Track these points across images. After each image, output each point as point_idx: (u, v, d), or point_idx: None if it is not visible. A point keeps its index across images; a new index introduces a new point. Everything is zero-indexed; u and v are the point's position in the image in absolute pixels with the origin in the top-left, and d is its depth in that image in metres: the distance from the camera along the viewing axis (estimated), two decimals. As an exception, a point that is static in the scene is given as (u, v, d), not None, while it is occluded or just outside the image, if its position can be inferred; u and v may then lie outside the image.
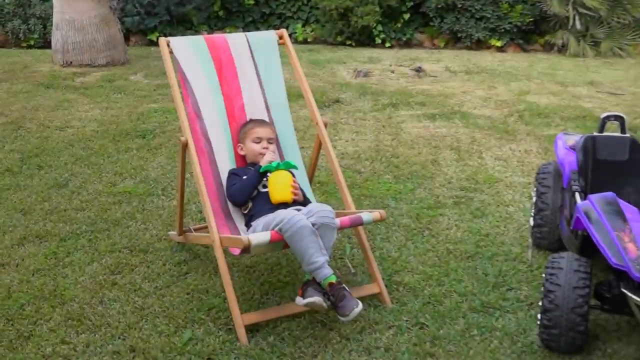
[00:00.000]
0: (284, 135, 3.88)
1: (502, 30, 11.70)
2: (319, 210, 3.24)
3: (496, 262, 3.95)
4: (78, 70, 9.45)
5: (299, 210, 3.35)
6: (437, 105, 7.55)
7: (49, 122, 6.89)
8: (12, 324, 3.38)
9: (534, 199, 3.97)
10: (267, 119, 3.86)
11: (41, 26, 12.07)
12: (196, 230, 4.01)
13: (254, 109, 3.85)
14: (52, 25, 10.32)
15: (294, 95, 7.49)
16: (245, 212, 3.58)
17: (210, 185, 3.59)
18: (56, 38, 9.68)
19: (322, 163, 5.55)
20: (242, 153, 3.75)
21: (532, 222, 4.00)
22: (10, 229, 4.46)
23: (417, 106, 7.49)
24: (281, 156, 3.86)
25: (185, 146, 3.50)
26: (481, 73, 9.43)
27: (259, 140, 3.68)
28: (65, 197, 4.98)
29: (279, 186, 3.48)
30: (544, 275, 3.02)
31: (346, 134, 6.46)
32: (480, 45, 11.92)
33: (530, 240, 4.08)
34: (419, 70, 9.37)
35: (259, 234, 3.11)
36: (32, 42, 12.15)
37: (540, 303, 3.04)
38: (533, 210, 4.00)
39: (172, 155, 5.86)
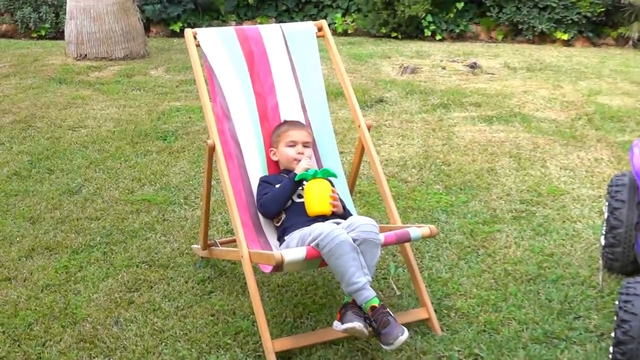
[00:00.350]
0: (322, 139, 3.89)
1: (569, 21, 11.59)
2: (361, 224, 3.22)
3: (561, 286, 3.91)
4: (93, 63, 9.61)
5: (338, 223, 3.35)
6: (494, 106, 7.54)
7: (60, 121, 6.99)
8: (18, 345, 3.42)
9: (606, 214, 3.92)
10: (303, 121, 3.87)
11: (53, 15, 12.27)
12: (222, 244, 4.04)
13: (288, 109, 3.88)
14: (65, 13, 10.50)
15: (333, 94, 7.58)
16: (278, 224, 3.59)
17: (239, 194, 3.61)
18: (70, 28, 9.83)
19: (364, 171, 5.55)
20: (274, 158, 3.77)
21: (603, 241, 3.96)
22: (17, 239, 4.53)
23: (472, 107, 7.49)
24: (318, 162, 3.88)
25: (212, 150, 3.51)
26: (545, 70, 9.37)
27: (293, 144, 3.70)
28: (78, 204, 5.04)
29: (316, 196, 3.49)
30: (616, 302, 2.97)
31: (391, 138, 6.46)
32: (543, 38, 11.82)
33: (600, 261, 4.04)
34: (473, 66, 9.34)
35: (293, 250, 3.11)
36: (43, 33, 12.36)
37: (612, 334, 2.98)
38: (604, 228, 3.94)
39: (196, 159, 5.89)
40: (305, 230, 3.33)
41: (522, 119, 7.00)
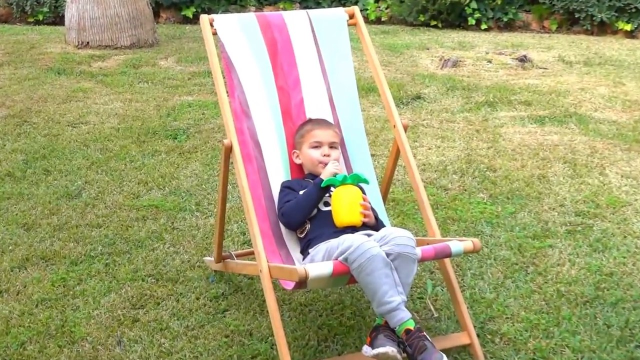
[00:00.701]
0: (352, 141, 3.91)
1: (633, 10, 11.50)
2: (395, 236, 3.23)
3: (622, 310, 3.86)
4: (96, 52, 9.67)
5: (369, 235, 3.35)
6: (546, 105, 7.52)
7: (59, 117, 7.05)
8: (10, 366, 3.42)
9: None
10: (330, 119, 3.90)
11: (52, -3, 12.33)
12: (238, 256, 4.06)
13: (315, 106, 3.90)
14: (66, -4, 10.55)
15: (364, 90, 7.60)
16: (302, 235, 3.61)
17: (259, 200, 3.62)
18: (70, 12, 9.90)
19: (399, 176, 5.54)
20: (298, 161, 3.80)
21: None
22: (10, 247, 4.56)
23: (521, 106, 7.47)
24: (347, 167, 3.90)
25: (228, 151, 3.52)
26: (604, 65, 9.33)
27: (318, 146, 3.73)
28: (78, 210, 5.05)
29: (345, 205, 3.50)
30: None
31: (429, 140, 6.46)
32: (603, 29, 11.75)
33: (667, 283, 4.01)
34: (523, 59, 9.31)
35: (318, 264, 3.11)
36: (40, 17, 12.44)
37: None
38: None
39: (209, 161, 5.92)
40: (332, 242, 3.33)
41: (578, 120, 7.00)
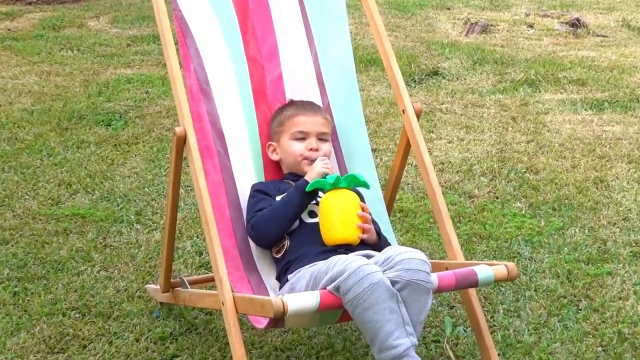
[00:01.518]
0: (347, 130, 3.92)
1: None
2: (403, 258, 3.23)
3: (703, 359, 3.84)
4: (1, 8, 9.56)
5: (369, 257, 3.34)
6: (605, 85, 7.55)
7: (-50, 95, 7.00)
8: None
9: None
10: (319, 101, 3.89)
11: None
12: (193, 284, 4.04)
13: (298, 84, 3.89)
14: None
15: (364, 62, 7.61)
16: (279, 256, 3.62)
17: (222, 209, 3.63)
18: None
19: (409, 178, 5.52)
20: (274, 157, 3.83)
21: None
22: None
23: (572, 86, 7.52)
24: (341, 165, 3.91)
25: (181, 142, 3.50)
26: (684, 33, 9.35)
27: (303, 137, 3.75)
28: (-24, 220, 5.00)
29: (337, 215, 3.51)
30: None
31: (449, 130, 6.45)
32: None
33: None
34: (576, 24, 9.33)
35: (300, 295, 3.11)
36: None
37: None
38: None
39: (155, 156, 5.93)
40: (319, 266, 3.32)
41: None
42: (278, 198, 3.64)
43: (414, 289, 3.18)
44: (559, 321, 4.15)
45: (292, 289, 3.41)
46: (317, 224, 3.56)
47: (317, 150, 3.73)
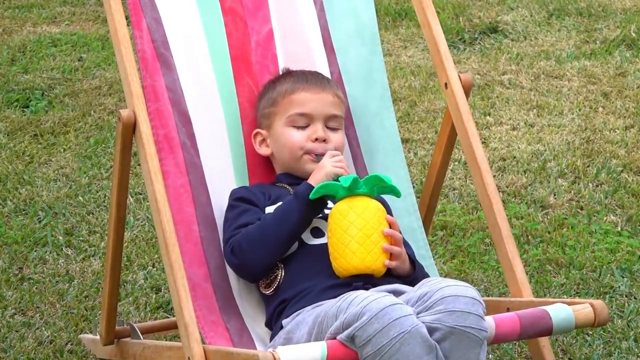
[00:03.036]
0: (367, 114, 3.55)
1: None
2: (445, 295, 2.84)
3: None
4: None
5: (398, 294, 2.97)
6: None
7: None
8: None
9: None
10: (326, 72, 3.52)
11: None
12: (147, 332, 3.66)
13: (296, 46, 3.54)
14: None
15: (390, 16, 7.45)
16: (270, 292, 3.25)
17: (189, 225, 3.26)
18: None
19: (455, 182, 5.12)
20: (263, 151, 3.42)
21: None
22: None
23: None
24: (358, 163, 3.57)
25: (129, 131, 3.13)
26: None
27: (305, 122, 3.35)
28: None
29: (354, 235, 3.11)
30: None
31: (513, 112, 5.93)
32: None
33: None
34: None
35: (300, 348, 2.76)
36: None
37: None
38: None
39: (92, 151, 5.43)
40: (327, 306, 2.94)
41: None
42: (269, 210, 3.26)
43: (459, 339, 2.83)
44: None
45: (288, 338, 3.05)
46: (324, 246, 3.17)
47: (324, 141, 3.33)
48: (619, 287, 4.26)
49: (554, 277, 4.35)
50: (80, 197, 4.95)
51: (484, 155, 3.35)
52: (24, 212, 4.82)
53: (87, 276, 4.32)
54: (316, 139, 3.30)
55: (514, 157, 5.32)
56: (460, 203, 4.94)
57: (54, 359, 3.77)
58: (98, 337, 3.65)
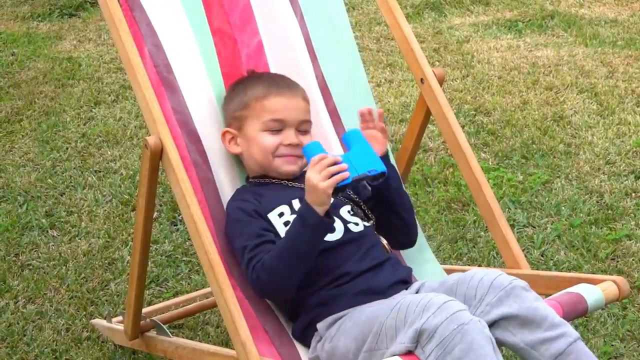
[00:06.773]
0: (353, 115, 3.36)
1: None
2: (502, 284, 2.80)
3: None
4: None
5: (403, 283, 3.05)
6: (510, 1, 7.44)
7: None
8: None
9: None
10: (311, 74, 3.49)
11: None
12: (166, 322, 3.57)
13: (285, 54, 3.47)
14: None
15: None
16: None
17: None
18: None
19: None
20: (234, 150, 3.29)
21: None
22: None
23: (476, 6, 7.37)
24: None
25: (156, 157, 3.05)
26: None
27: (278, 127, 3.21)
28: None
29: None
30: None
31: (372, 71, 5.94)
32: None
33: None
34: None
35: None
36: None
37: None
38: None
39: (47, 135, 5.38)
40: (377, 315, 2.82)
41: (564, 23, 6.93)
42: (272, 216, 3.13)
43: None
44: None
45: (334, 346, 2.91)
46: (334, 243, 3.09)
47: (297, 146, 3.22)
48: (518, 219, 4.36)
49: (465, 215, 4.41)
50: (49, 180, 4.89)
51: (467, 141, 3.37)
52: (4, 198, 4.78)
53: (79, 257, 4.23)
54: (289, 145, 3.21)
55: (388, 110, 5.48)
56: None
57: (75, 349, 3.65)
58: (112, 324, 3.59)
